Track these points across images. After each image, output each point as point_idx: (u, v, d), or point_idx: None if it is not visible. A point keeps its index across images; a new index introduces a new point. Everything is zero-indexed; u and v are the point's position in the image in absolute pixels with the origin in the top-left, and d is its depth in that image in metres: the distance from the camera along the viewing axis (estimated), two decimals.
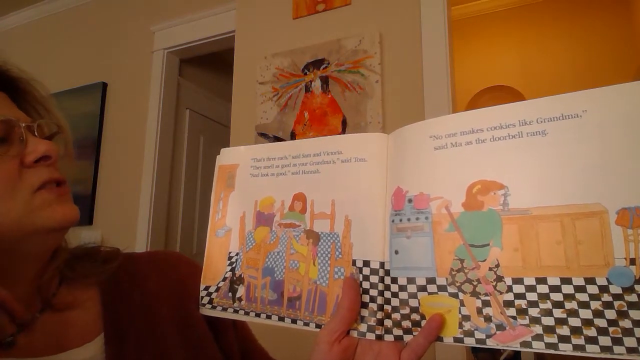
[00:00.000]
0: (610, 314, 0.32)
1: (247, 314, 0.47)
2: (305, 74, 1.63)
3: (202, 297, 0.50)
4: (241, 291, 0.48)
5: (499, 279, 0.36)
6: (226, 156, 0.54)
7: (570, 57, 2.50)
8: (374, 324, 0.41)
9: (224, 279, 0.49)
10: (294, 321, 0.45)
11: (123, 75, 2.35)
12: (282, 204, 0.48)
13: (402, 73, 1.50)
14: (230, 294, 0.49)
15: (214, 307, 0.49)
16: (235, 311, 0.48)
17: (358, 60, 1.54)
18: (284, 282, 0.46)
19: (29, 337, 0.45)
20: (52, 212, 0.44)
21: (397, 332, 0.40)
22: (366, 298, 0.42)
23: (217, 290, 0.50)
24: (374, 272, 0.42)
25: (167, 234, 2.24)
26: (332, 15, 1.65)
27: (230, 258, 0.50)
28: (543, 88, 2.48)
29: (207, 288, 0.50)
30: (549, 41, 2.58)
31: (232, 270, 0.49)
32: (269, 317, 0.46)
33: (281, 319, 0.45)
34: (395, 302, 0.41)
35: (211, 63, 2.67)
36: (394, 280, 0.41)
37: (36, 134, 0.46)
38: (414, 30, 1.50)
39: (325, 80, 1.59)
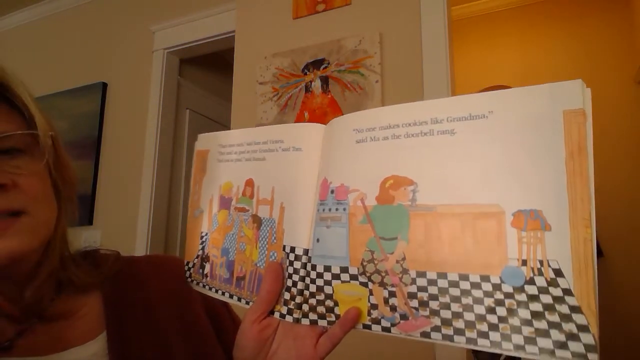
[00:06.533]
0: (501, 311, 0.33)
1: (210, 289, 0.51)
2: (305, 74, 1.63)
3: (185, 272, 0.55)
4: (207, 268, 0.52)
5: (405, 271, 0.38)
6: (201, 142, 0.57)
7: (571, 57, 2.50)
8: (293, 307, 0.43)
9: (197, 257, 0.53)
10: (239, 299, 0.48)
11: (123, 75, 2.35)
12: (237, 189, 0.51)
13: (402, 73, 1.50)
14: (200, 270, 0.53)
15: (192, 281, 0.54)
16: (204, 286, 0.52)
17: (358, 60, 1.54)
18: (234, 263, 0.49)
19: (29, 338, 0.45)
20: None
21: (313, 316, 0.42)
22: (289, 282, 0.44)
23: (193, 266, 0.54)
24: (298, 258, 0.44)
25: (167, 233, 2.24)
26: (332, 15, 1.65)
27: (201, 237, 0.53)
28: None
29: (187, 263, 0.55)
30: (550, 41, 2.58)
31: (202, 248, 0.53)
32: (223, 294, 0.50)
33: (231, 296, 0.49)
34: (312, 288, 0.43)
35: (211, 63, 2.66)
36: (314, 267, 0.43)
37: None
38: (414, 30, 1.50)
39: (325, 80, 1.59)
